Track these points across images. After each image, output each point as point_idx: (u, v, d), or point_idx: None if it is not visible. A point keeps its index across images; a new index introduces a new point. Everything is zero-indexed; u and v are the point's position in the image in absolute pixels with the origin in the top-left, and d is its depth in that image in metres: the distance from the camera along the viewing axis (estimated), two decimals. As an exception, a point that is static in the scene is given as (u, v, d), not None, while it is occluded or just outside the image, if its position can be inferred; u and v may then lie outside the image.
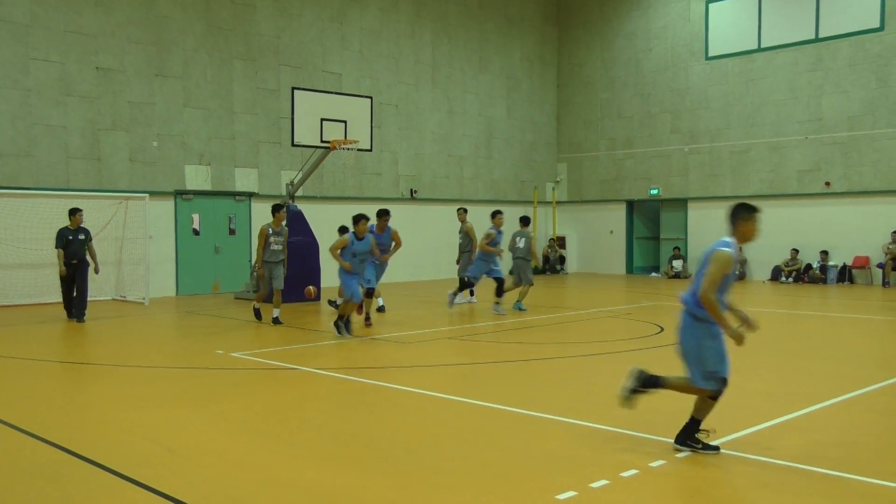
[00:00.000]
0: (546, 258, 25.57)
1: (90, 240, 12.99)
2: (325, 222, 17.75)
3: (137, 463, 5.20)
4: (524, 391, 7.47)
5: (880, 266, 19.74)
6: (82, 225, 12.94)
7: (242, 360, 9.13)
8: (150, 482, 4.79)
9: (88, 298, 13.02)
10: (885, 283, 19.49)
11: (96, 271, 13.03)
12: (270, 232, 12.68)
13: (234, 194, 18.56)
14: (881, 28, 19.87)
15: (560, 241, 26.06)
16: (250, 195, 18.77)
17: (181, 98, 17.67)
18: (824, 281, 20.55)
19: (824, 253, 20.79)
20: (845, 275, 20.44)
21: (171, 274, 17.57)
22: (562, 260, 25.78)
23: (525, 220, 15.22)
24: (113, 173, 16.68)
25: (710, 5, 22.97)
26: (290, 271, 13.58)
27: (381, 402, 7.16)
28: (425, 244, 22.27)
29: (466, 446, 5.59)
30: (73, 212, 12.90)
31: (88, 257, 12.98)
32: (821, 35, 20.89)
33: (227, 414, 6.65)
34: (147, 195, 16.09)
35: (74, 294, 12.80)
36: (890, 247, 19.51)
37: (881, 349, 10.63)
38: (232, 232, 18.45)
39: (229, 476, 4.97)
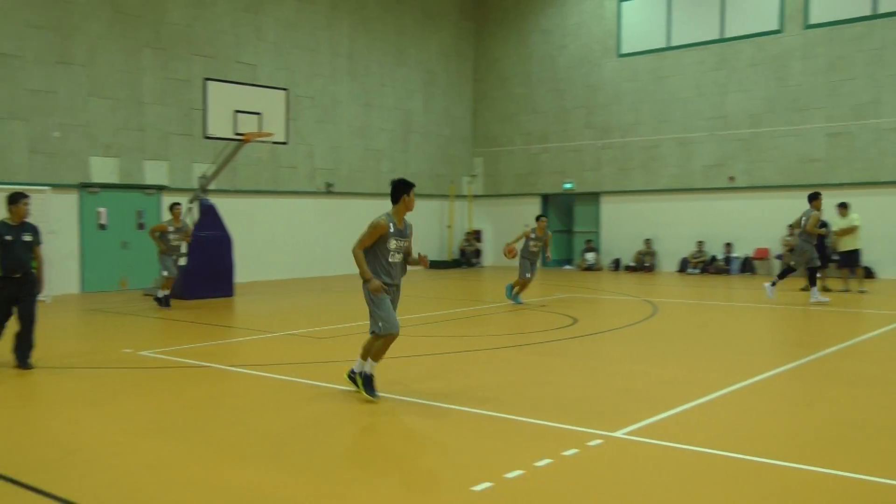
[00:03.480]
0: (462, 252, 25.76)
1: (39, 242, 8.49)
2: (240, 217, 17.41)
3: (34, 467, 4.98)
4: (440, 384, 7.50)
5: (779, 257, 20.66)
6: (28, 220, 8.47)
7: (152, 359, 8.86)
8: (48, 487, 4.59)
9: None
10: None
11: (39, 290, 8.59)
12: (171, 228, 13.02)
13: (143, 187, 17.97)
14: (780, 30, 20.76)
15: (476, 235, 26.28)
16: (160, 188, 18.21)
17: (86, 87, 16.97)
18: (728, 272, 21.38)
19: (728, 245, 21.63)
20: (747, 266, 21.32)
21: (76, 270, 16.88)
22: (477, 253, 26.00)
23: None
24: (10, 165, 15.90)
25: (623, 4, 23.53)
26: (202, 268, 13.40)
27: (297, 398, 7.07)
28: (341, 238, 22.08)
29: (383, 441, 5.58)
30: (15, 199, 8.36)
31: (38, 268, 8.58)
32: (725, 35, 21.68)
33: (133, 414, 6.44)
34: (48, 188, 15.41)
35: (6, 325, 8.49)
36: (787, 239, 20.44)
37: (780, 336, 11.12)
38: (141, 226, 17.85)
39: (135, 477, 4.82)
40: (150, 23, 18.00)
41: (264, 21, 20.35)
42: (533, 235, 14.35)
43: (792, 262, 14.44)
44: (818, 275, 16.54)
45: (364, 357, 6.80)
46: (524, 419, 6.09)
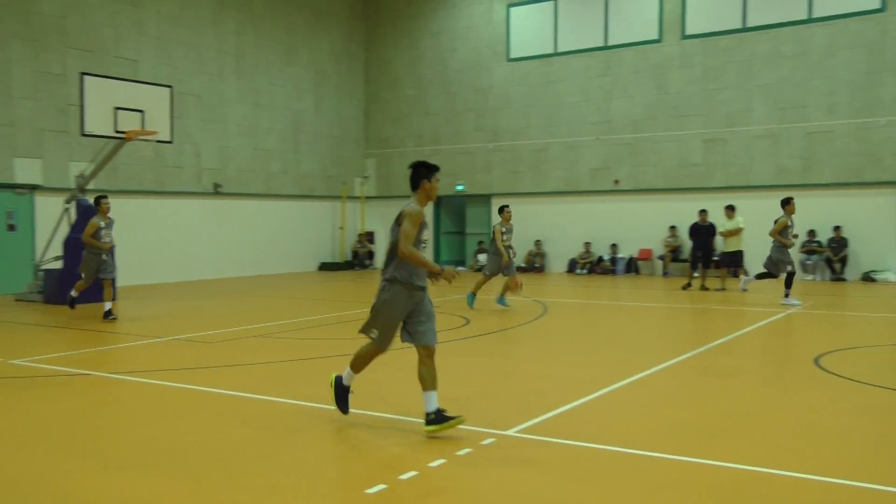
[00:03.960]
0: (355, 253, 25.59)
1: None
2: (122, 218, 16.63)
3: None
4: (329, 387, 7.40)
5: (661, 258, 21.57)
6: None
7: (25, 368, 8.35)
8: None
9: None
10: (665, 273, 21.33)
11: None
12: (102, 225, 12.13)
13: (13, 186, 16.93)
14: (660, 40, 21.67)
15: (368, 237, 26.16)
16: (33, 188, 17.22)
17: (-52, 79, 15.86)
18: (614, 272, 22.14)
19: (614, 246, 22.40)
20: (632, 266, 22.14)
21: (-62, 275, 15.75)
22: (370, 255, 25.90)
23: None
24: None
25: (512, 9, 23.98)
26: (75, 270, 12.85)
27: (180, 405, 6.82)
28: (230, 240, 21.55)
29: (272, 446, 5.46)
30: None
31: None
32: (609, 43, 22.45)
33: (3, 427, 6.05)
34: None
35: None
36: (668, 240, 21.38)
37: (663, 334, 11.59)
38: (11, 228, 16.83)
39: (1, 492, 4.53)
40: (19, 13, 17.01)
41: (145, 15, 19.59)
42: (503, 229, 13.38)
43: (789, 268, 14.05)
44: (696, 274, 17.35)
45: (426, 386, 5.71)
46: (418, 420, 6.09)
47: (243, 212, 22.13)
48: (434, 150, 25.43)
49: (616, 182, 22.38)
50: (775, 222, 14.24)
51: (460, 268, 25.15)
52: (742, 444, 5.45)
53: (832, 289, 17.56)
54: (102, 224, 12.18)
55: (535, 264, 23.29)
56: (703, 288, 16.88)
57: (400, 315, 5.78)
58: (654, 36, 21.77)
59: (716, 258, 17.72)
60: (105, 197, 12.54)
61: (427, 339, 5.80)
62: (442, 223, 26.14)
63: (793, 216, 14.12)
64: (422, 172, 5.83)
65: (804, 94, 19.84)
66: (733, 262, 17.10)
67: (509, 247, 13.47)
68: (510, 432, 5.70)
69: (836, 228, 19.34)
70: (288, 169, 23.83)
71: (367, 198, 26.52)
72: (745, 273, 16.67)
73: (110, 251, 12.45)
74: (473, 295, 13.67)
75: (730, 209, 17.07)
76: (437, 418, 5.54)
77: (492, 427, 5.80)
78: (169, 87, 16.20)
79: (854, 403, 6.71)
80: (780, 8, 20.09)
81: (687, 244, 21.20)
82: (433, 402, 5.60)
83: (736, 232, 16.85)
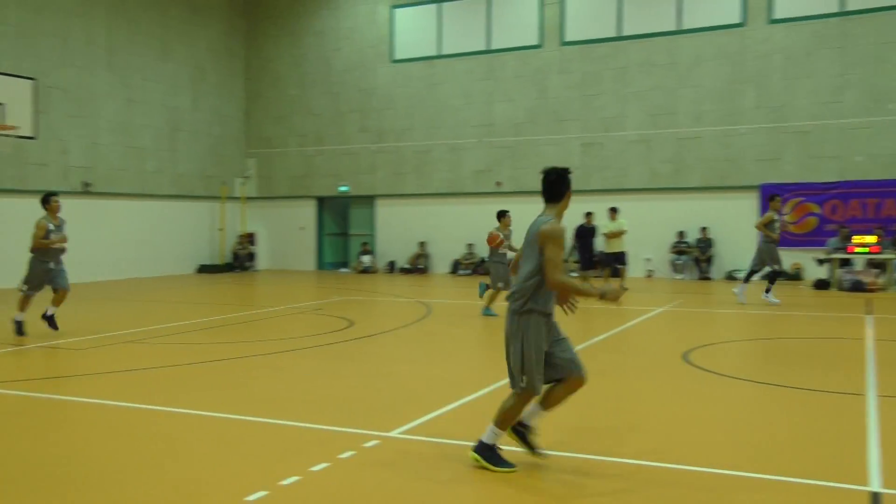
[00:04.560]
0: (235, 255, 24.94)
1: None
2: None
3: None
4: (212, 393, 7.18)
5: (542, 258, 22.08)
6: None
7: None
8: None
9: None
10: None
11: None
12: (51, 228, 10.57)
13: None
14: (540, 45, 22.23)
15: (250, 238, 25.55)
16: None
17: None
18: (496, 272, 22.48)
19: (496, 247, 22.76)
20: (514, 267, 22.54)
21: None
22: (251, 257, 25.30)
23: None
24: None
25: (395, 10, 23.99)
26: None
27: (52, 416, 6.43)
28: (102, 242, 20.51)
29: (150, 456, 5.23)
30: None
31: None
32: (492, 47, 22.83)
33: None
34: None
35: None
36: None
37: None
38: None
39: None
40: None
41: (3, 1, 18.38)
42: (502, 235, 12.74)
43: (775, 266, 14.19)
44: (597, 275, 17.71)
45: (498, 421, 4.96)
46: (299, 424, 5.98)
47: (116, 212, 21.12)
48: (318, 151, 25.12)
49: (498, 184, 22.78)
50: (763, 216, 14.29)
51: (343, 269, 24.95)
52: (621, 439, 5.64)
53: (699, 287, 18.50)
54: (52, 226, 10.56)
55: (419, 265, 23.39)
56: None
57: (544, 349, 4.92)
58: (535, 42, 22.31)
59: (595, 258, 18.31)
60: (55, 194, 10.89)
61: (580, 365, 5.00)
62: (325, 224, 25.86)
63: (778, 212, 14.31)
64: (567, 181, 5.08)
65: (674, 101, 20.82)
66: (616, 261, 17.69)
67: (504, 253, 12.82)
68: (394, 433, 5.69)
69: (703, 230, 20.40)
70: (164, 168, 22.93)
71: (249, 198, 25.89)
72: (623, 271, 17.29)
73: (59, 256, 10.78)
74: (489, 311, 12.92)
75: (613, 211, 17.70)
76: (491, 455, 4.92)
77: (375, 429, 5.77)
78: (32, 79, 15.28)
79: (717, 395, 7.08)
80: (652, 19, 21.00)
81: (567, 245, 21.79)
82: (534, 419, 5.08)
83: (619, 234, 17.48)
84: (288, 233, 25.87)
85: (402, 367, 8.53)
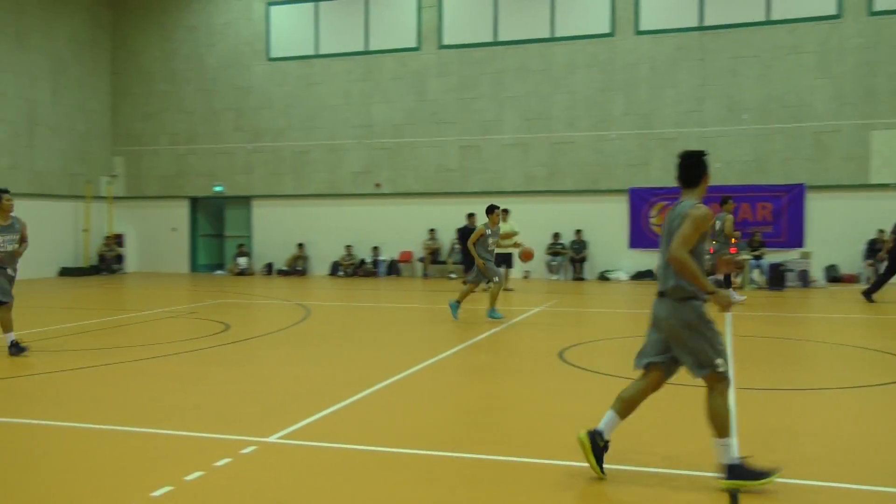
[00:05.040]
0: (102, 257, 23.75)
1: None
2: None
3: None
4: (78, 402, 6.80)
5: (421, 260, 22.26)
6: None
7: None
8: None
9: None
10: (425, 275, 22.03)
11: None
12: None
13: None
14: (418, 48, 22.37)
15: (117, 240, 24.40)
16: None
17: None
18: (376, 274, 22.48)
19: (375, 248, 22.74)
20: (393, 268, 22.61)
21: None
22: (119, 259, 24.17)
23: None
24: None
25: (271, 7, 23.53)
26: None
27: None
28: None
29: (3, 472, 4.89)
30: None
31: None
32: (370, 48, 22.77)
33: None
34: None
35: None
36: (428, 243, 22.11)
37: (424, 334, 11.94)
38: None
39: None
40: None
41: None
42: (489, 231, 12.22)
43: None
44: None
45: (719, 432, 4.55)
46: (172, 432, 5.76)
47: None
48: (190, 150, 24.30)
49: (377, 185, 22.75)
50: (722, 222, 14.42)
51: (219, 272, 24.23)
52: (497, 435, 5.75)
53: (574, 287, 19.13)
54: None
55: (298, 267, 23.03)
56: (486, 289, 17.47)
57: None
58: (413, 44, 22.42)
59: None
60: (6, 191, 9.37)
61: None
62: (199, 226, 25.03)
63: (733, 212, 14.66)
64: (705, 165, 4.72)
65: (548, 106, 21.44)
66: (502, 263, 18.00)
67: (491, 251, 12.31)
68: (272, 439, 5.57)
69: (578, 232, 21.11)
70: (20, 165, 21.55)
71: (116, 198, 24.71)
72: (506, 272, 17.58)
73: (7, 265, 9.33)
74: (458, 304, 12.39)
75: (504, 212, 18.03)
76: (743, 473, 4.49)
77: (253, 434, 5.63)
78: None
79: (590, 391, 7.34)
80: (526, 26, 21.54)
81: (446, 247, 22.08)
82: (731, 450, 4.57)
83: (511, 235, 17.81)
84: (159, 234, 24.87)
85: (281, 371, 8.37)
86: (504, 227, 17.89)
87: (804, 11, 19.49)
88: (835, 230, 19.27)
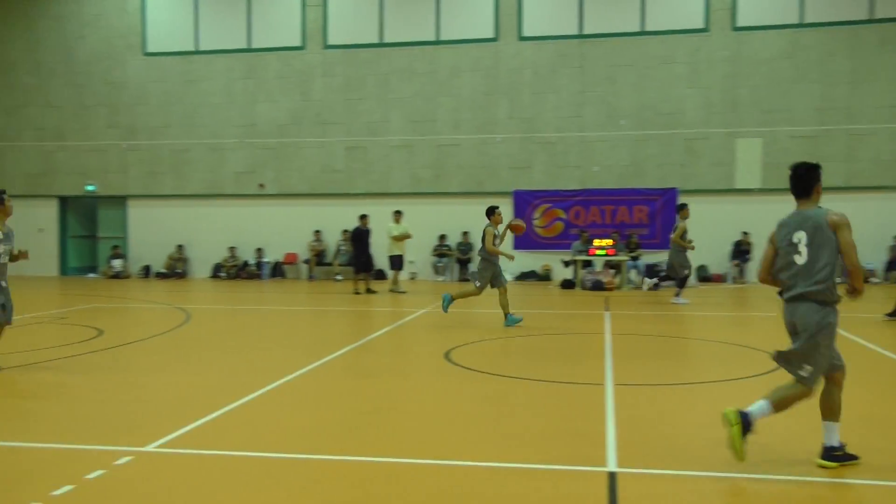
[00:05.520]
0: (-40, 261, 22.16)
1: None
2: None
3: None
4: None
5: (306, 262, 21.95)
6: None
7: None
8: None
9: None
10: (310, 277, 21.73)
11: None
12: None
13: None
14: (303, 47, 22.06)
15: (-22, 242, 22.82)
16: None
17: None
18: (259, 276, 22.00)
19: (259, 250, 22.25)
20: (278, 270, 22.19)
21: None
22: (-20, 262, 22.61)
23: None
24: None
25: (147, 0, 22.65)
26: None
27: None
28: None
29: None
30: None
31: None
32: (253, 46, 22.27)
33: None
34: None
35: None
36: (313, 244, 21.83)
37: (310, 337, 11.78)
38: None
39: None
40: None
41: None
42: (496, 232, 11.91)
43: (685, 272, 14.99)
44: (361, 277, 17.67)
45: (830, 416, 4.99)
46: (40, 445, 5.44)
47: None
48: (59, 146, 23.05)
49: (261, 186, 22.27)
50: (674, 228, 15.06)
51: (92, 275, 23.09)
52: (384, 437, 5.73)
53: (460, 288, 19.30)
54: (0, 235, 8.19)
55: (177, 269, 22.24)
56: (369, 291, 17.36)
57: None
58: (298, 43, 22.09)
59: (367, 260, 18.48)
60: (3, 192, 8.34)
61: (842, 360, 5.06)
62: (69, 226, 23.78)
63: (687, 220, 14.99)
64: (818, 175, 5.02)
65: (434, 109, 21.60)
66: (396, 264, 17.94)
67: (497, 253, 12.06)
68: (149, 448, 5.35)
69: (464, 233, 21.36)
70: None
71: (-25, 197, 23.11)
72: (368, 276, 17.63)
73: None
74: (451, 299, 12.21)
75: (397, 213, 18.08)
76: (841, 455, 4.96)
77: (127, 444, 5.39)
78: None
79: (476, 391, 7.44)
80: (412, 28, 21.63)
81: (331, 248, 21.89)
82: (834, 434, 4.99)
83: (404, 237, 17.79)
84: (24, 235, 23.33)
85: (159, 378, 8.04)
86: (398, 229, 17.92)
87: (675, 24, 20.47)
88: (704, 233, 20.30)
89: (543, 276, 20.91)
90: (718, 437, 5.24)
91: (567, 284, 19.04)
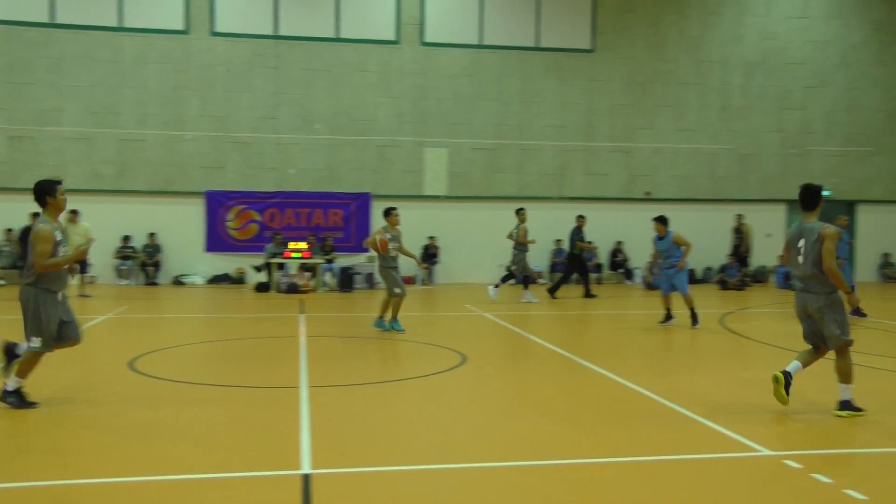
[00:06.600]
0: None
1: None
2: None
3: None
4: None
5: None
6: None
7: None
8: None
9: None
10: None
11: None
12: (59, 237, 6.84)
13: None
14: (-43, 20, 19.21)
15: None
16: None
17: None
18: None
19: None
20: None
21: None
22: None
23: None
24: None
25: None
26: None
27: None
28: None
29: None
30: None
31: None
32: None
33: None
34: None
35: None
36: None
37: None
38: None
39: None
40: None
41: None
42: (388, 235, 11.06)
43: (513, 269, 16.08)
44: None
45: (844, 379, 6.47)
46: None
47: None
48: None
49: None
50: (516, 228, 15.92)
51: None
52: (55, 454, 5.20)
53: (146, 293, 18.16)
54: (59, 235, 6.85)
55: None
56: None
57: None
58: (-51, 14, 19.19)
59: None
60: (59, 182, 7.24)
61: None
62: None
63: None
64: (821, 194, 6.57)
65: (117, 101, 20.03)
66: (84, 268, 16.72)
67: (395, 256, 11.31)
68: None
69: (151, 235, 20.07)
70: None
71: None
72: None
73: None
74: (383, 319, 11.54)
75: (73, 213, 16.44)
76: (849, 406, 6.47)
77: None
78: None
79: (164, 399, 7.03)
80: (90, 11, 19.81)
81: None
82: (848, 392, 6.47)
83: (87, 243, 16.16)
84: None
85: None
86: (78, 231, 16.27)
87: (368, 33, 21.12)
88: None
89: (237, 280, 20.39)
90: (409, 432, 5.49)
91: (262, 287, 18.75)
